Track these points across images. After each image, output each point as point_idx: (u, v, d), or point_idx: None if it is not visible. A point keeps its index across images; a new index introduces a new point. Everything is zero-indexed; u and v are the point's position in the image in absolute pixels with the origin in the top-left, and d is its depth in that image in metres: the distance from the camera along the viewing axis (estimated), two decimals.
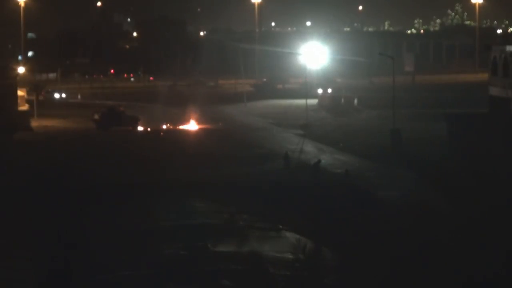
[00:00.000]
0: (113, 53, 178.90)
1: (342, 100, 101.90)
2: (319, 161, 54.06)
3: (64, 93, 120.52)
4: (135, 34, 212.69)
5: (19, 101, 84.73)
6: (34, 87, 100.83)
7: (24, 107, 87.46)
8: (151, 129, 78.61)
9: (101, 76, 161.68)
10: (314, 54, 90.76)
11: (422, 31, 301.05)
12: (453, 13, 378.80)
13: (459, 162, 55.53)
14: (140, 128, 78.86)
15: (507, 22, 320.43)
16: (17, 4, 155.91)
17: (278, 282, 28.63)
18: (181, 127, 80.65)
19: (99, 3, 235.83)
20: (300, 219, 38.64)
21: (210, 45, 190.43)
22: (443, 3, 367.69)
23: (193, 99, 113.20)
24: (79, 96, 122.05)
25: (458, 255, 32.61)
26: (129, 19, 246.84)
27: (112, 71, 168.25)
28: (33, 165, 56.52)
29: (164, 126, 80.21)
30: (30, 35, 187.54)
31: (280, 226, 37.32)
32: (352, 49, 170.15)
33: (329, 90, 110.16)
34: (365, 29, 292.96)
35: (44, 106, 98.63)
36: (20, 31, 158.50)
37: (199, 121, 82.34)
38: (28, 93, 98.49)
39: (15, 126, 75.31)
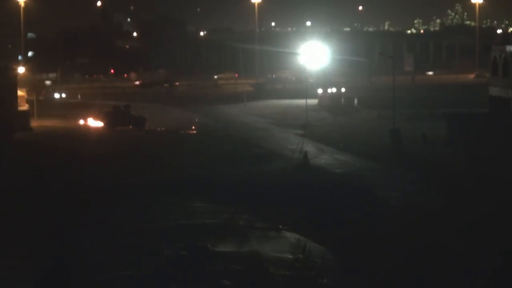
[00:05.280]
0: (113, 53, 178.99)
1: (342, 100, 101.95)
2: (306, 153, 57.14)
3: (64, 93, 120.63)
4: (135, 34, 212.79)
5: (19, 101, 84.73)
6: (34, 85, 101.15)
7: (24, 107, 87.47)
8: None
9: (101, 76, 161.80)
10: (314, 54, 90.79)
11: (422, 31, 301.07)
12: (453, 13, 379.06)
13: (459, 162, 55.52)
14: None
15: (507, 22, 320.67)
16: (17, 4, 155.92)
17: (278, 282, 28.62)
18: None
19: (99, 3, 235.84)
20: (300, 219, 38.62)
21: (210, 45, 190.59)
22: (443, 3, 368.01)
23: (193, 99, 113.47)
24: (79, 96, 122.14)
25: (458, 256, 32.59)
26: (129, 19, 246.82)
27: (112, 71, 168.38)
28: (33, 165, 56.49)
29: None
30: (30, 35, 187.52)
31: (280, 226, 37.31)
32: (352, 49, 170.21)
33: (333, 90, 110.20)
34: (365, 29, 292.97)
35: (44, 106, 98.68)
36: (20, 31, 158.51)
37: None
38: (28, 93, 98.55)
39: (15, 126, 75.30)
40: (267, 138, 71.85)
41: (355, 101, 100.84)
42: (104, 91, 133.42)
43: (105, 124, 79.11)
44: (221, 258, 31.26)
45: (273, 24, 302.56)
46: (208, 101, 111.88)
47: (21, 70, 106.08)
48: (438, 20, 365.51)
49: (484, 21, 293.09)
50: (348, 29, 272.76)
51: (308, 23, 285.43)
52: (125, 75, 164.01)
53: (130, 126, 78.74)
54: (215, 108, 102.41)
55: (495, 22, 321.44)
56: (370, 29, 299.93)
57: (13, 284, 29.16)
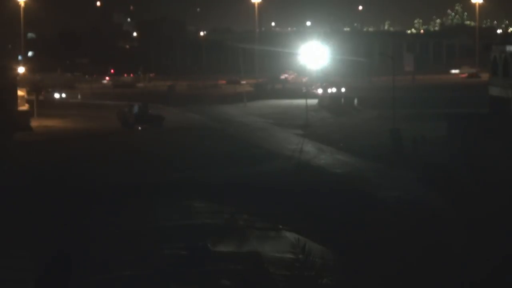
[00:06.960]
0: (113, 53, 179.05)
1: (342, 100, 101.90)
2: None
3: (64, 93, 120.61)
4: (135, 34, 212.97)
5: (19, 101, 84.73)
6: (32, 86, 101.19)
7: (24, 107, 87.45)
8: None
9: (101, 76, 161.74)
10: (314, 54, 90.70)
11: (422, 31, 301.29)
12: (453, 13, 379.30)
13: (459, 162, 55.46)
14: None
15: (507, 22, 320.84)
16: (17, 4, 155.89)
17: (278, 282, 28.62)
18: None
19: (99, 3, 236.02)
20: (300, 219, 38.62)
21: (210, 45, 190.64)
22: (443, 3, 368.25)
23: (193, 99, 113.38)
24: (79, 96, 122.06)
25: (459, 257, 32.57)
26: (129, 19, 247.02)
27: (112, 71, 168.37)
28: (33, 165, 56.49)
29: None
30: (30, 35, 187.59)
31: (280, 226, 37.30)
32: (352, 49, 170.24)
33: (333, 90, 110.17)
34: (365, 29, 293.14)
35: (44, 106, 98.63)
36: (20, 31, 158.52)
37: None
38: (28, 93, 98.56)
39: (15, 126, 75.28)
40: (267, 138, 71.81)
41: (355, 101, 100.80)
42: (104, 91, 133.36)
43: (123, 122, 79.09)
44: (221, 258, 31.25)
45: (273, 24, 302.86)
46: (208, 101, 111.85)
47: (21, 70, 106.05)
48: (438, 20, 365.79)
49: (484, 21, 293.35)
50: (348, 29, 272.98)
51: (308, 23, 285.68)
52: (125, 75, 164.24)
53: (153, 125, 78.66)
54: (215, 108, 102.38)
55: (495, 22, 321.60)
56: (370, 29, 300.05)
57: (13, 284, 29.18)
